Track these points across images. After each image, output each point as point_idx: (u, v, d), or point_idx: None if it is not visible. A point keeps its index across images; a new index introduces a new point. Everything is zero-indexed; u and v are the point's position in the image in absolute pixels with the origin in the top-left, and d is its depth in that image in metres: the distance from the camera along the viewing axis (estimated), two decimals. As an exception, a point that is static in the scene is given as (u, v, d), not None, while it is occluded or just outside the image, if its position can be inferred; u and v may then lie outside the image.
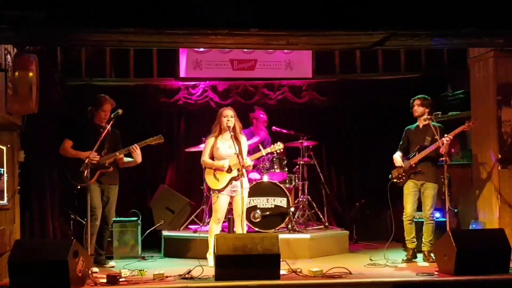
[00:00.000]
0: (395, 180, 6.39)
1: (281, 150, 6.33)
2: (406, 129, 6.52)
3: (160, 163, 8.28)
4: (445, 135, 6.05)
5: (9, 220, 5.57)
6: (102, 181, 6.10)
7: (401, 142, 6.52)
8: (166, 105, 8.19)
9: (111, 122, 5.85)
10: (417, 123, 6.43)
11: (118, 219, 6.93)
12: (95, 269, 5.75)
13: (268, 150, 6.18)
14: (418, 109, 6.34)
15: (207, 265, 5.80)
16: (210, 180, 6.07)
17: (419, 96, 6.40)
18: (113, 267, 6.09)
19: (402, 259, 6.28)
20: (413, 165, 6.25)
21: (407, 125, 6.55)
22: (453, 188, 7.34)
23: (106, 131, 5.81)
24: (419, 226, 6.49)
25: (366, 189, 8.37)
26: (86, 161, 5.65)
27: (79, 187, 5.84)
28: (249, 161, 6.04)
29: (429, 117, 6.24)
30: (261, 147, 6.20)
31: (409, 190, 6.32)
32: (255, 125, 7.75)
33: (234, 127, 6.00)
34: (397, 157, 6.42)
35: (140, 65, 8.13)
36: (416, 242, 6.35)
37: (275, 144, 6.21)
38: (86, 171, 5.65)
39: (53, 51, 7.40)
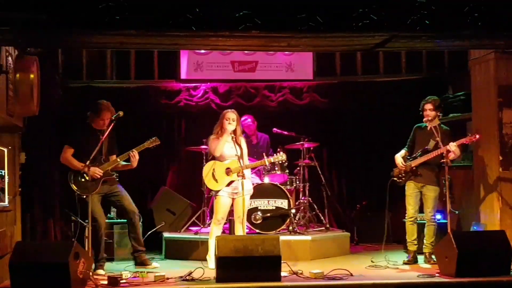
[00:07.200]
0: (395, 179, 6.38)
1: (283, 161, 6.32)
2: (416, 126, 6.44)
3: (161, 165, 8.28)
4: (451, 143, 5.98)
5: (10, 222, 5.57)
6: (100, 188, 5.94)
7: (409, 139, 6.46)
8: (167, 106, 8.18)
9: (112, 125, 5.77)
10: (426, 123, 6.37)
11: (118, 220, 6.93)
12: (101, 271, 5.75)
13: (271, 159, 6.21)
14: (431, 114, 6.19)
15: (208, 267, 5.80)
16: (208, 180, 6.07)
17: (430, 99, 6.26)
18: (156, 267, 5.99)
19: (403, 261, 6.28)
20: (414, 167, 6.25)
21: (408, 126, 6.53)
22: (455, 190, 7.33)
23: (104, 138, 5.72)
24: (420, 228, 6.49)
25: (367, 190, 8.36)
26: (90, 174, 5.61)
27: (84, 196, 5.71)
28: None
29: (430, 119, 6.18)
30: (264, 156, 6.21)
31: (410, 191, 6.31)
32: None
33: (235, 130, 6.01)
34: (398, 157, 6.40)
35: (141, 67, 8.14)
36: (417, 245, 6.34)
37: (278, 154, 6.24)
38: (88, 182, 5.62)
39: (54, 53, 7.41)
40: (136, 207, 6.20)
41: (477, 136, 6.05)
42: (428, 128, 6.30)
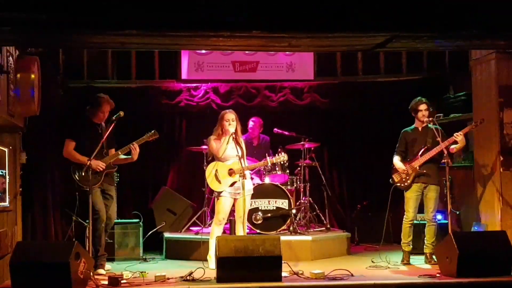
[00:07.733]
0: (398, 184, 6.33)
1: (285, 161, 6.41)
2: (403, 131, 6.45)
3: (162, 164, 8.28)
4: (455, 133, 6.02)
5: (11, 222, 5.57)
6: (102, 181, 6.01)
7: (398, 145, 6.44)
8: (168, 106, 8.19)
9: (113, 125, 5.82)
10: (415, 125, 6.38)
11: (119, 220, 6.92)
12: (102, 271, 5.76)
13: (274, 160, 6.25)
14: (426, 113, 6.24)
15: (208, 267, 5.80)
16: (211, 181, 6.06)
17: (423, 100, 6.29)
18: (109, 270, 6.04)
19: (401, 262, 6.28)
20: (417, 168, 6.22)
21: (409, 126, 6.53)
22: (455, 190, 7.33)
23: (107, 133, 5.79)
24: (420, 228, 6.48)
25: (368, 191, 8.36)
26: (93, 167, 5.65)
27: (87, 189, 5.71)
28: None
29: (430, 119, 6.21)
30: (267, 156, 6.22)
31: (412, 194, 6.28)
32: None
33: (235, 131, 6.00)
34: (398, 161, 6.36)
35: (142, 67, 8.14)
36: (412, 246, 6.34)
37: (280, 154, 6.26)
38: (91, 175, 5.64)
39: (55, 53, 7.41)
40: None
41: (483, 120, 6.10)
42: (420, 129, 6.31)
